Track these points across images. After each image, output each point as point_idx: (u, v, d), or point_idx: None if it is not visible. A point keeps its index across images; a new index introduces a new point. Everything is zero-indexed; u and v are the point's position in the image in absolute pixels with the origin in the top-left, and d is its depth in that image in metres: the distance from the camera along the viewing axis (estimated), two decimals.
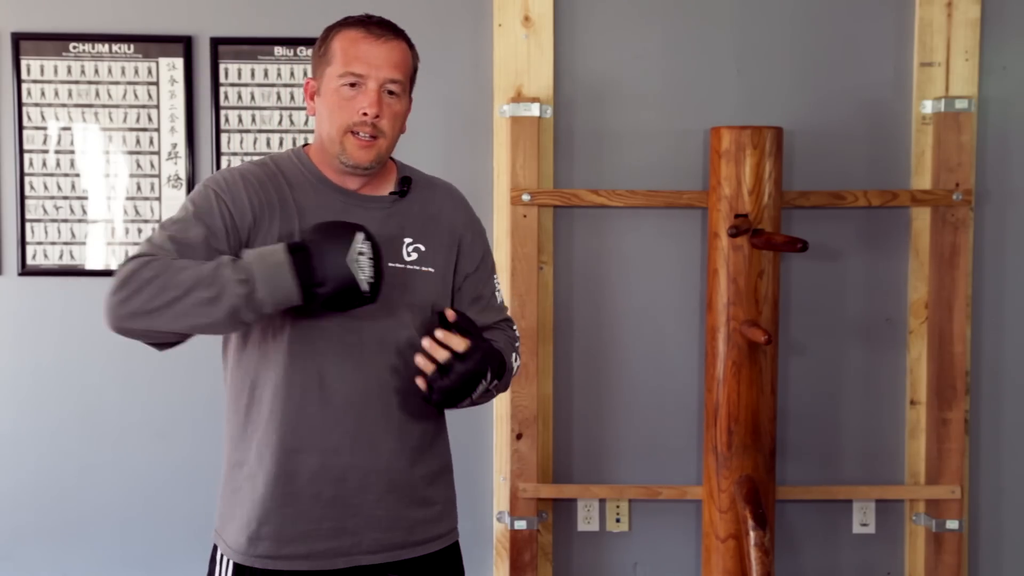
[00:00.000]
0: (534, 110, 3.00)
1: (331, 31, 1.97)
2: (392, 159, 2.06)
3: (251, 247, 1.86)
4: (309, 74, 2.02)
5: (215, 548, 2.01)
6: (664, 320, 3.11)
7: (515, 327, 2.13)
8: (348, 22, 1.96)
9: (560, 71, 3.06)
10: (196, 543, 3.10)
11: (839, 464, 3.15)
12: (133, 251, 1.86)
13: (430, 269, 1.98)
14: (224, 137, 3.06)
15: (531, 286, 3.01)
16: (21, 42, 3.03)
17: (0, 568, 3.11)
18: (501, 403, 3.06)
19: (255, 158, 2.04)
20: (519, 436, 3.04)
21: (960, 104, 3.03)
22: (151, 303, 1.75)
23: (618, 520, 3.13)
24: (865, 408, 3.15)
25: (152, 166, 3.07)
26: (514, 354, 2.06)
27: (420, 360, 1.85)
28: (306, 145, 2.03)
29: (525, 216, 3.02)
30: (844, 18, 3.10)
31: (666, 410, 3.13)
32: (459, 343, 1.85)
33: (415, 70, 2.01)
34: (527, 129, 3.00)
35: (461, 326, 1.90)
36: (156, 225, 1.95)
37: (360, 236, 1.78)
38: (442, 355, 1.84)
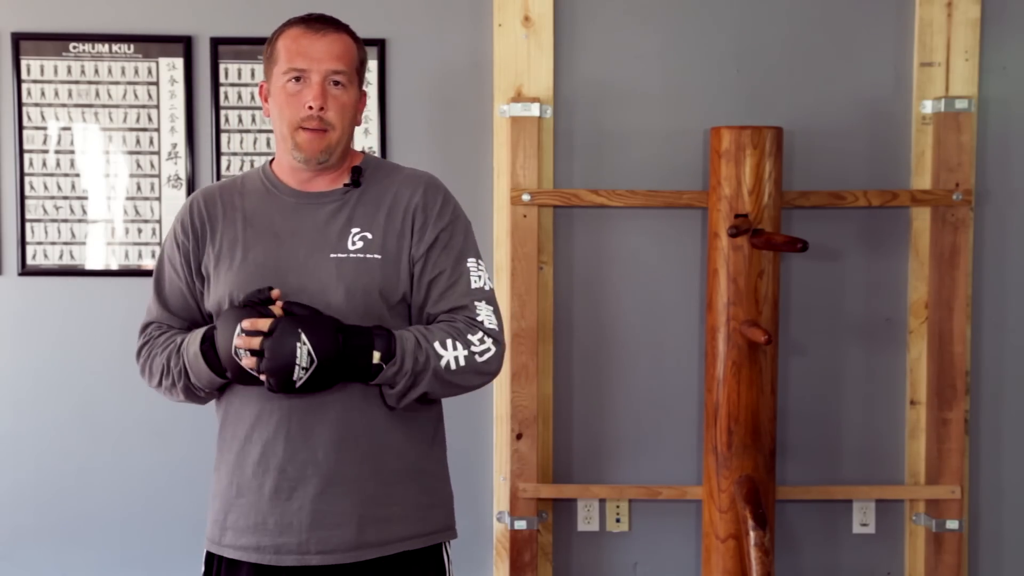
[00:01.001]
0: (534, 110, 3.00)
1: (276, 32, 2.03)
2: (364, 152, 2.10)
3: (209, 261, 2.02)
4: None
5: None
6: (664, 320, 3.11)
7: (480, 317, 1.98)
8: (290, 22, 2.02)
9: (560, 71, 3.06)
10: (196, 543, 3.10)
11: (839, 464, 3.15)
12: (142, 320, 2.12)
13: (376, 256, 1.96)
14: (224, 137, 3.06)
15: (531, 286, 3.01)
16: (21, 42, 3.03)
17: (0, 568, 3.11)
18: (501, 403, 3.06)
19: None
20: (519, 436, 3.04)
21: (960, 104, 3.03)
22: (151, 385, 2.08)
23: (618, 520, 3.13)
24: (865, 408, 3.15)
25: (152, 166, 3.07)
26: (452, 340, 1.93)
27: (247, 361, 1.85)
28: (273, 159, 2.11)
29: (525, 216, 3.02)
30: (844, 18, 3.10)
31: (666, 410, 3.13)
32: (263, 323, 1.84)
33: (362, 62, 2.04)
34: (527, 129, 3.00)
35: (290, 311, 1.87)
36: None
37: (238, 328, 1.85)
38: (256, 342, 1.83)
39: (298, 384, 1.84)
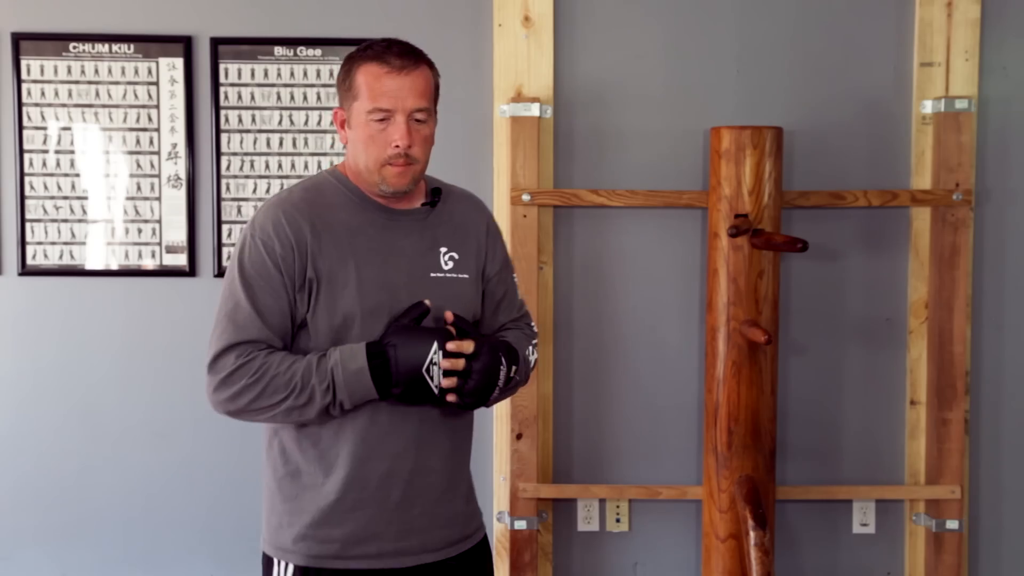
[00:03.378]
0: (534, 110, 3.00)
1: (353, 64, 2.00)
2: None
3: (319, 277, 1.96)
4: (336, 103, 2.10)
5: (268, 559, 2.06)
6: (664, 320, 3.11)
7: (532, 323, 2.23)
8: (368, 55, 1.99)
9: (560, 71, 3.06)
10: (196, 543, 3.12)
11: (839, 464, 3.15)
12: (223, 337, 1.96)
13: (465, 276, 2.08)
14: (224, 137, 3.06)
15: (531, 286, 3.01)
16: (21, 42, 3.03)
17: (0, 568, 3.11)
18: (501, 403, 3.06)
19: (296, 182, 2.11)
20: (519, 436, 3.04)
21: (960, 104, 3.03)
22: (252, 406, 1.95)
23: (618, 520, 3.13)
24: (865, 408, 3.15)
25: (152, 166, 3.07)
26: (529, 347, 2.15)
27: (447, 382, 1.93)
28: (339, 164, 2.10)
29: (525, 216, 3.02)
30: (844, 18, 3.10)
31: (666, 410, 3.13)
32: (467, 345, 1.94)
33: (438, 88, 2.06)
34: (527, 129, 3.00)
35: (460, 327, 1.99)
36: (224, 284, 2.02)
37: (435, 345, 1.92)
38: (461, 364, 1.93)
39: (490, 403, 2.01)
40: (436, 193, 2.09)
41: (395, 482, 2.00)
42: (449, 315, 1.98)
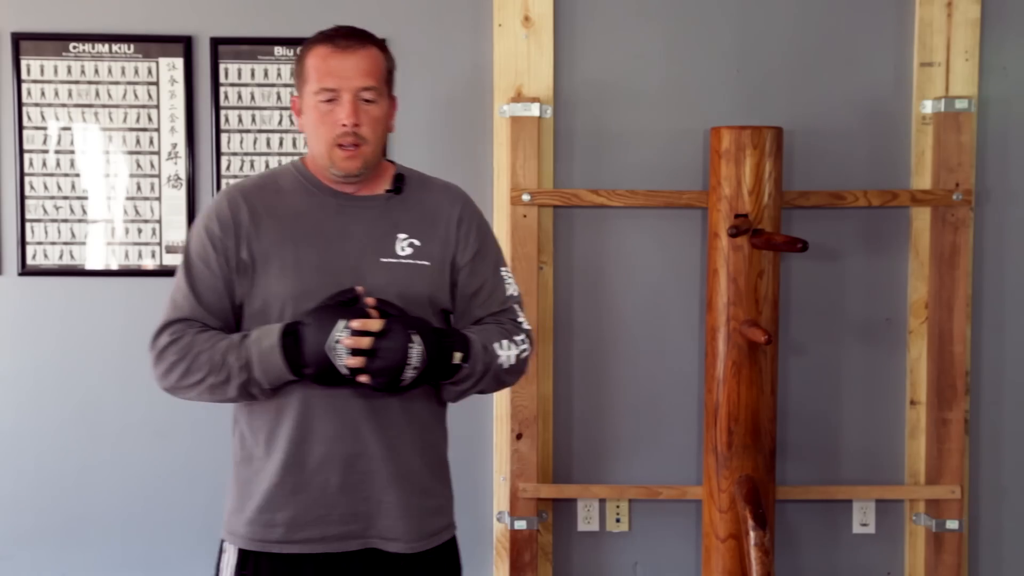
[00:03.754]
0: (534, 110, 3.00)
1: (304, 49, 2.05)
2: (391, 161, 2.14)
3: (255, 259, 1.99)
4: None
5: (221, 543, 2.09)
6: (664, 320, 3.11)
7: (519, 318, 2.13)
8: (318, 38, 2.04)
9: (560, 71, 3.06)
10: (196, 543, 3.11)
11: (839, 464, 3.15)
12: (163, 316, 2.03)
13: (425, 263, 2.04)
14: (224, 137, 3.06)
15: (531, 286, 3.01)
16: (21, 42, 3.03)
17: (0, 568, 3.11)
18: (501, 403, 3.06)
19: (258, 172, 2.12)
20: (519, 436, 3.04)
21: (960, 104, 3.03)
22: (180, 383, 1.99)
23: (618, 520, 3.13)
24: (865, 408, 3.15)
25: (152, 166, 3.07)
26: (506, 341, 2.05)
27: (352, 361, 1.88)
28: (303, 156, 2.11)
29: (525, 216, 3.02)
30: (844, 18, 3.10)
31: (666, 410, 3.13)
32: (374, 323, 1.88)
33: (390, 71, 2.07)
34: (527, 129, 3.00)
35: (385, 311, 1.93)
36: (179, 262, 2.07)
37: (340, 324, 1.87)
38: (366, 342, 1.87)
39: (404, 384, 1.92)
40: (399, 179, 2.07)
41: (333, 466, 1.98)
42: (370, 299, 1.93)
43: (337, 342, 1.87)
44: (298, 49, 2.08)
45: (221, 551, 2.08)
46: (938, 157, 3.04)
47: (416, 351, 1.89)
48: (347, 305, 1.92)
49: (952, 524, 3.06)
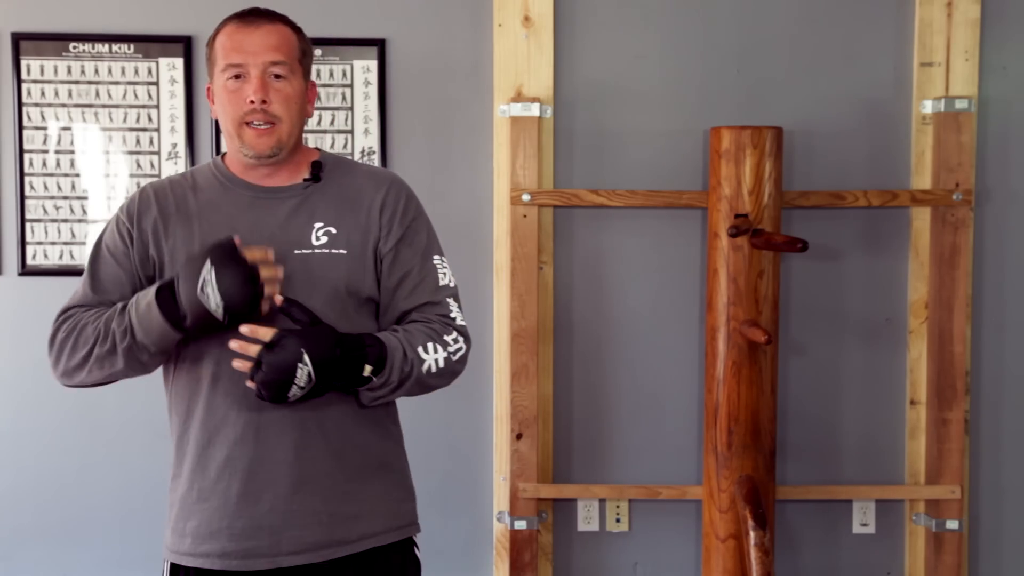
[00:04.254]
0: (534, 110, 3.00)
1: (213, 32, 1.99)
2: (318, 149, 2.06)
3: (160, 255, 1.95)
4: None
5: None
6: (664, 320, 3.11)
7: (451, 312, 2.00)
8: (226, 20, 1.98)
9: (560, 71, 3.06)
10: None
11: (839, 464, 3.15)
12: (61, 304, 1.98)
13: (342, 251, 1.94)
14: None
15: (531, 286, 3.01)
16: (21, 42, 3.03)
17: (0, 568, 3.11)
18: (501, 403, 3.06)
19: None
20: (519, 436, 3.04)
21: (960, 104, 3.03)
22: (70, 363, 1.92)
23: (618, 520, 3.13)
24: (865, 408, 3.15)
25: (152, 166, 3.07)
26: (432, 343, 1.93)
27: (236, 363, 1.81)
28: (224, 154, 2.05)
29: (525, 216, 3.02)
30: (844, 18, 3.10)
31: (666, 410, 3.13)
32: (264, 333, 1.79)
33: (304, 52, 2.00)
34: (527, 129, 3.00)
35: (288, 312, 1.84)
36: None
37: (206, 266, 1.79)
38: (253, 350, 1.79)
39: (290, 399, 1.82)
40: (316, 167, 1.99)
41: (234, 471, 1.90)
42: (278, 298, 1.82)
43: (207, 282, 1.78)
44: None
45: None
46: (938, 157, 3.04)
47: (303, 372, 1.78)
48: (226, 247, 1.82)
49: (952, 524, 3.06)
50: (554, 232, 3.07)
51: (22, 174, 3.05)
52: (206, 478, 1.93)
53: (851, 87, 3.09)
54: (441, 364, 1.94)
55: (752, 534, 2.66)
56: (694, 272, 3.09)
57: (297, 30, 1.99)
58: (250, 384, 1.82)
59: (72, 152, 3.06)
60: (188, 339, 1.89)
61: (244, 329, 1.79)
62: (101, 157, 3.06)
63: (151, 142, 3.07)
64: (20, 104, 3.03)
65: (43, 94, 3.04)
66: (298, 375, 1.78)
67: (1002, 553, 3.20)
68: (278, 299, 1.83)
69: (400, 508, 2.03)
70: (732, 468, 2.84)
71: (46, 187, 3.06)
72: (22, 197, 3.05)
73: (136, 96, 3.05)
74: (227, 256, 1.80)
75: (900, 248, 3.12)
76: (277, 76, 1.93)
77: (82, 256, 3.06)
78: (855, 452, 3.15)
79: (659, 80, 3.09)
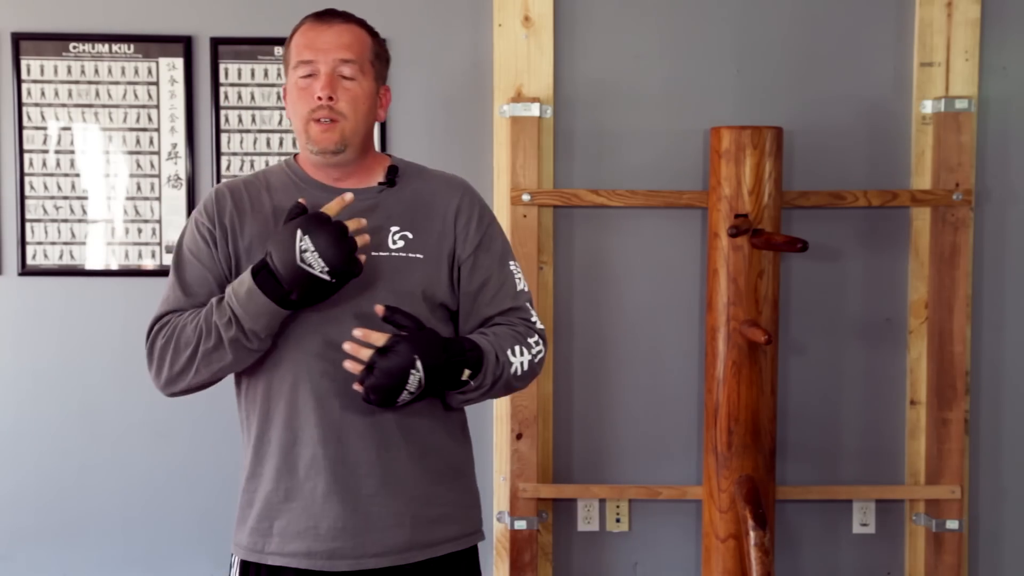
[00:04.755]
0: (534, 110, 3.00)
1: (292, 33, 2.01)
2: (389, 155, 2.08)
3: (239, 255, 1.96)
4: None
5: (231, 556, 2.04)
6: (664, 320, 3.11)
7: (532, 318, 2.02)
8: (304, 19, 2.00)
9: (560, 71, 3.06)
10: (196, 543, 3.12)
11: (839, 464, 3.15)
12: (153, 312, 1.99)
13: (419, 256, 1.95)
14: (224, 137, 3.06)
15: (531, 286, 3.01)
16: (21, 42, 3.03)
17: (0, 568, 3.11)
18: (501, 403, 3.06)
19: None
20: (519, 436, 3.04)
21: (960, 104, 3.03)
22: (174, 368, 1.92)
23: (618, 520, 3.13)
24: (865, 408, 3.15)
25: (152, 166, 3.07)
26: (519, 347, 1.95)
27: (348, 364, 1.82)
28: (297, 154, 2.07)
29: (525, 216, 3.02)
30: (844, 18, 3.10)
31: (666, 410, 3.13)
32: (378, 338, 1.81)
33: (378, 55, 2.01)
34: (527, 129, 3.00)
35: (392, 320, 1.85)
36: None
37: (298, 234, 1.79)
38: (366, 354, 1.80)
39: (398, 404, 1.84)
40: (392, 171, 2.00)
41: (319, 471, 1.91)
42: (379, 308, 1.84)
43: (304, 250, 1.78)
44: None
45: (230, 565, 2.03)
46: (938, 157, 3.04)
47: (415, 378, 1.80)
48: (307, 215, 1.83)
49: (952, 524, 3.06)
50: (554, 232, 3.07)
51: (22, 174, 3.05)
52: (294, 477, 1.93)
53: (851, 87, 3.09)
54: (526, 367, 1.96)
55: (752, 534, 2.66)
56: (694, 272, 3.09)
57: (373, 33, 2.01)
58: (358, 387, 1.82)
59: (72, 152, 3.06)
60: (296, 313, 1.88)
61: (357, 333, 1.81)
62: (101, 157, 3.06)
63: (151, 142, 3.07)
64: (20, 104, 3.04)
65: (43, 94, 3.04)
66: (410, 381, 1.80)
67: (1002, 553, 3.20)
68: (379, 309, 1.84)
69: (470, 514, 2.05)
70: (732, 468, 2.84)
71: (46, 187, 3.06)
72: (22, 197, 3.05)
73: (136, 96, 3.05)
74: (313, 220, 1.80)
75: (900, 248, 3.12)
76: (346, 76, 1.94)
77: (82, 256, 3.07)
78: (855, 452, 3.15)
79: (659, 80, 3.09)
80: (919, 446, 3.13)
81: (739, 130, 2.83)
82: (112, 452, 3.11)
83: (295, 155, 2.06)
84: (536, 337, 2.00)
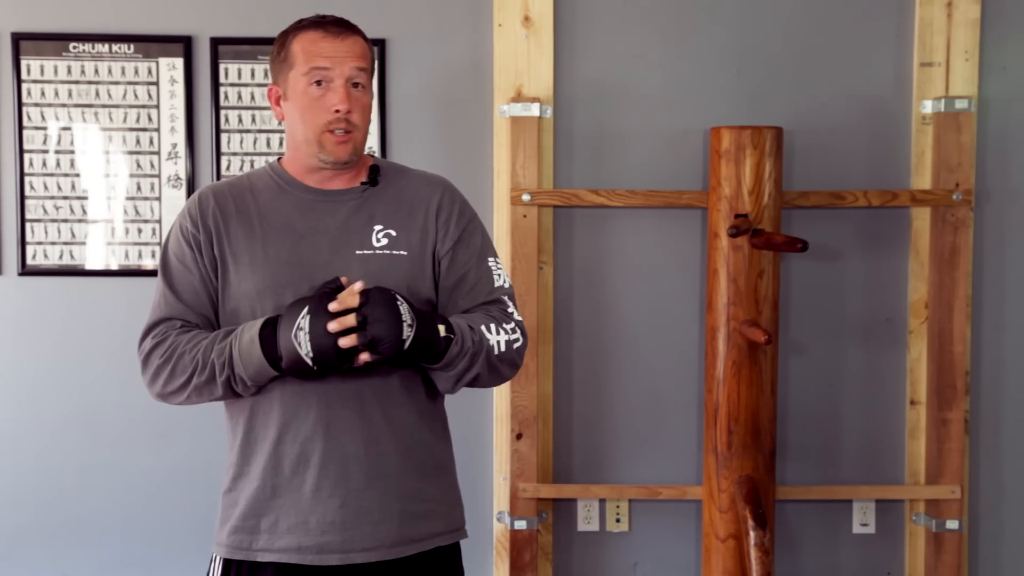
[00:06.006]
0: (534, 110, 3.00)
1: (288, 36, 2.02)
2: (372, 156, 2.11)
3: (224, 257, 1.98)
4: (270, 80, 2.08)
5: (211, 556, 2.05)
6: (664, 320, 3.11)
7: (510, 308, 2.04)
8: (304, 25, 2.01)
9: (560, 71, 3.06)
10: (196, 543, 3.11)
11: (839, 464, 3.15)
12: (145, 320, 2.02)
13: (402, 252, 1.98)
14: (224, 137, 3.06)
15: (531, 286, 3.01)
16: (21, 42, 3.03)
17: (0, 568, 3.11)
18: (501, 403, 3.06)
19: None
20: (519, 436, 3.04)
21: (960, 104, 3.03)
22: (167, 388, 1.97)
23: (618, 520, 3.13)
24: (865, 408, 3.15)
25: (152, 166, 3.07)
26: (494, 326, 1.97)
27: (343, 341, 1.81)
28: (280, 157, 2.09)
29: (525, 216, 3.02)
30: (844, 18, 3.10)
31: (666, 410, 3.13)
32: (352, 299, 1.81)
33: (374, 62, 2.06)
34: (527, 129, 3.00)
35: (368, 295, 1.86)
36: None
37: (303, 311, 1.82)
38: (351, 319, 1.81)
39: (407, 344, 1.82)
40: (374, 171, 2.03)
41: (306, 467, 1.93)
42: (358, 285, 1.84)
43: (301, 329, 1.81)
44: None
45: (210, 562, 2.05)
46: (938, 157, 3.04)
47: (405, 307, 1.82)
48: (329, 295, 1.85)
49: (952, 524, 3.06)
50: (554, 232, 3.08)
51: (22, 174, 3.05)
52: (281, 474, 1.95)
53: (851, 87, 3.09)
54: (503, 348, 1.96)
55: (752, 534, 2.66)
56: (694, 272, 3.09)
57: (370, 44, 2.04)
58: (365, 357, 1.82)
59: (72, 152, 3.06)
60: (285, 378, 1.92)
61: (332, 306, 1.81)
62: (101, 157, 3.06)
63: (151, 142, 3.07)
64: (20, 104, 3.04)
65: (43, 94, 3.04)
66: (402, 312, 1.82)
67: (1002, 553, 3.20)
68: (358, 286, 1.84)
69: (453, 511, 2.08)
70: (732, 468, 2.84)
71: (46, 187, 3.06)
72: (22, 197, 3.05)
73: (136, 96, 3.05)
74: (323, 305, 1.82)
75: (900, 248, 3.12)
76: (357, 84, 1.97)
77: (82, 256, 3.07)
78: (855, 452, 3.15)
79: (659, 80, 3.09)
80: (919, 446, 3.13)
81: (739, 130, 2.83)
82: (112, 452, 3.11)
83: (279, 157, 2.08)
84: (513, 324, 2.01)
